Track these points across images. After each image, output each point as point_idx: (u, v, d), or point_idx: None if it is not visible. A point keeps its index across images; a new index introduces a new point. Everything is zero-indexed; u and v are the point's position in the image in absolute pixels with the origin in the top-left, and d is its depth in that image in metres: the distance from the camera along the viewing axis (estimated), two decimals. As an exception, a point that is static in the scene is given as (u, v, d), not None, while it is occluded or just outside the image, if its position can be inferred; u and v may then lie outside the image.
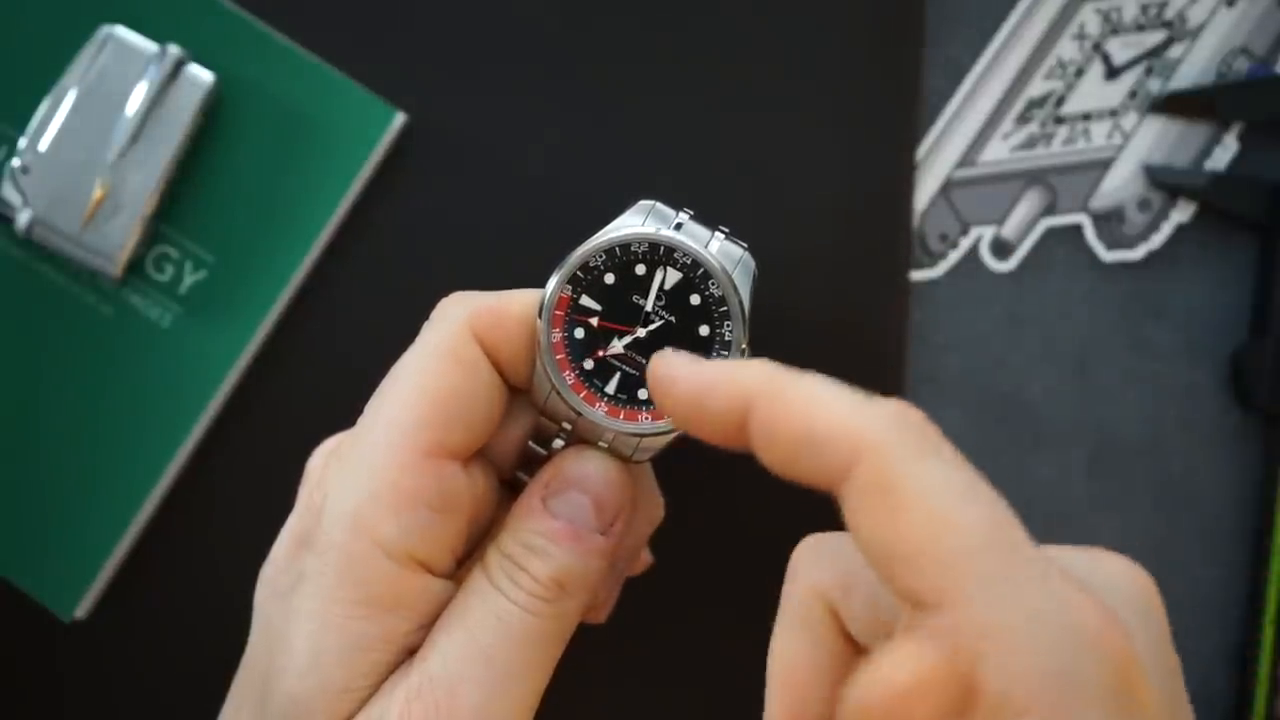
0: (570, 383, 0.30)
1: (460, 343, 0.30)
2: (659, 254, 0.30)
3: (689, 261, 0.30)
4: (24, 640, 0.40)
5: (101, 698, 0.41)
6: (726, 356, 0.30)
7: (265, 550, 0.31)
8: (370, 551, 0.28)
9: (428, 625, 0.29)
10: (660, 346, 0.29)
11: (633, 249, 0.30)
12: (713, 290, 0.30)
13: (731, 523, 0.41)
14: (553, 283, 0.30)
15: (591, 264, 0.30)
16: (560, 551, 0.29)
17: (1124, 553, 0.42)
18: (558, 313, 0.30)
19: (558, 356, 0.30)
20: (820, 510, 0.40)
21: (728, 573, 0.41)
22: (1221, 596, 0.41)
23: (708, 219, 0.30)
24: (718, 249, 0.30)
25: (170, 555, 0.40)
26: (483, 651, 0.28)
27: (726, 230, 0.30)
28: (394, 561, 0.28)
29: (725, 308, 0.30)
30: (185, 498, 0.40)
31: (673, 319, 0.30)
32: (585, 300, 0.30)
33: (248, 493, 0.40)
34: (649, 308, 0.30)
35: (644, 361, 0.30)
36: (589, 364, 0.30)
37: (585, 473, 0.30)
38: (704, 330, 0.30)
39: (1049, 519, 0.41)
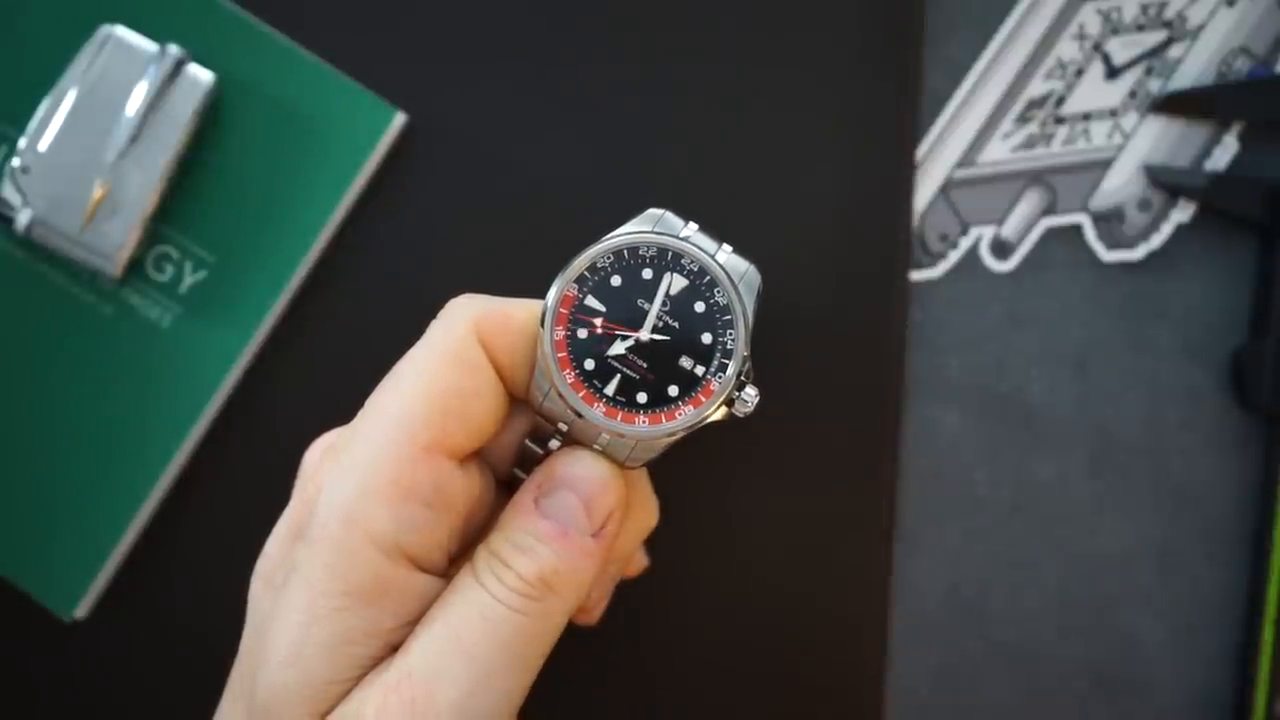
0: (570, 381, 0.30)
1: (465, 344, 0.30)
2: (666, 259, 0.30)
3: (696, 269, 0.30)
4: (24, 640, 0.40)
5: (102, 698, 0.41)
6: (728, 365, 0.30)
7: (264, 549, 0.31)
8: (361, 543, 0.28)
9: (414, 621, 0.29)
10: (663, 351, 0.29)
11: (641, 253, 0.30)
12: (717, 299, 0.30)
13: (726, 527, 0.41)
14: (559, 281, 0.30)
15: (599, 265, 0.30)
16: (548, 551, 0.29)
17: (1124, 553, 0.43)
18: (562, 311, 0.30)
19: (559, 355, 0.30)
20: (819, 512, 0.41)
21: (721, 576, 0.41)
22: (1222, 596, 0.41)
23: (715, 234, 0.30)
24: (725, 259, 0.30)
25: (170, 555, 0.40)
26: (464, 648, 0.28)
27: (731, 248, 0.30)
28: (384, 554, 0.28)
29: (729, 316, 0.30)
30: (185, 498, 0.40)
31: (676, 325, 0.30)
32: (590, 301, 0.30)
33: (248, 493, 0.40)
34: (654, 312, 0.30)
35: (645, 365, 0.30)
36: (590, 364, 0.30)
37: (577, 473, 0.30)
38: (706, 338, 0.30)
39: (1049, 519, 0.41)
